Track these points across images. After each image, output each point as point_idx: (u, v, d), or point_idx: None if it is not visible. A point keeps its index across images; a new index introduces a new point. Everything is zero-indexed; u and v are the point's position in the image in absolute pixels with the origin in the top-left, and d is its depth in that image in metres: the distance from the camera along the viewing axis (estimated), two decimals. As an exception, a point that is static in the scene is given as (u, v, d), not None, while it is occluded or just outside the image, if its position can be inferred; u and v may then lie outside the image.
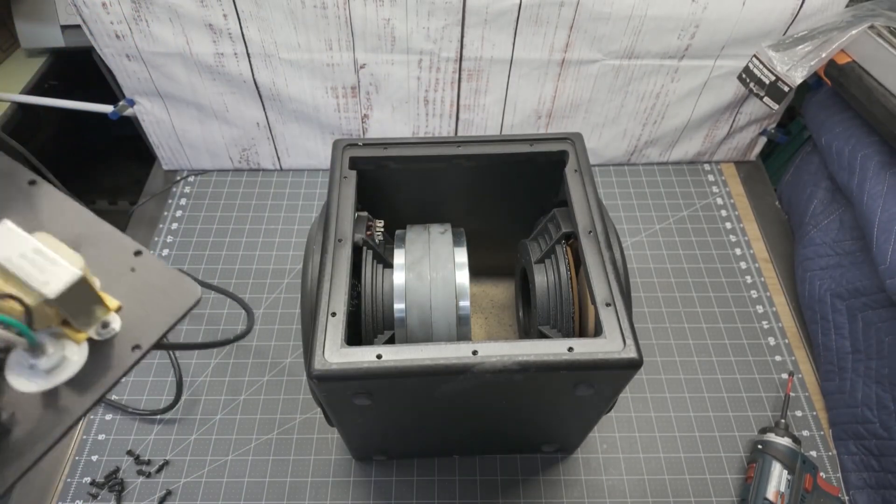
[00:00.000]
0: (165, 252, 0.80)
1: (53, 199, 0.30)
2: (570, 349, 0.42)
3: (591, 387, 0.45)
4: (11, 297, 0.23)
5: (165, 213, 0.85)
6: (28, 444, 0.24)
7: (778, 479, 0.58)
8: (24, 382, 0.25)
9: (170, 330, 0.28)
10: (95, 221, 0.30)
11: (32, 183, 0.31)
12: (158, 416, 0.66)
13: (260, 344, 0.72)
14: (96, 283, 0.26)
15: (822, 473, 0.61)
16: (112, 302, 0.27)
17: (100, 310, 0.26)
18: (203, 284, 0.57)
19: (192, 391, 0.68)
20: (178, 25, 0.71)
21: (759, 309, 0.75)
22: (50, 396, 0.25)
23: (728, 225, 0.84)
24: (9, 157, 0.32)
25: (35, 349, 0.24)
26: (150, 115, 0.82)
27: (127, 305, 0.27)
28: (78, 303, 0.25)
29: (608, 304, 0.44)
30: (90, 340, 0.26)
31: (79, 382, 0.25)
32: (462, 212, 0.59)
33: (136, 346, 0.27)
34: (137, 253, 0.29)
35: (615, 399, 0.51)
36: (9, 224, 0.24)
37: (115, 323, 0.27)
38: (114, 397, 0.67)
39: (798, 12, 0.70)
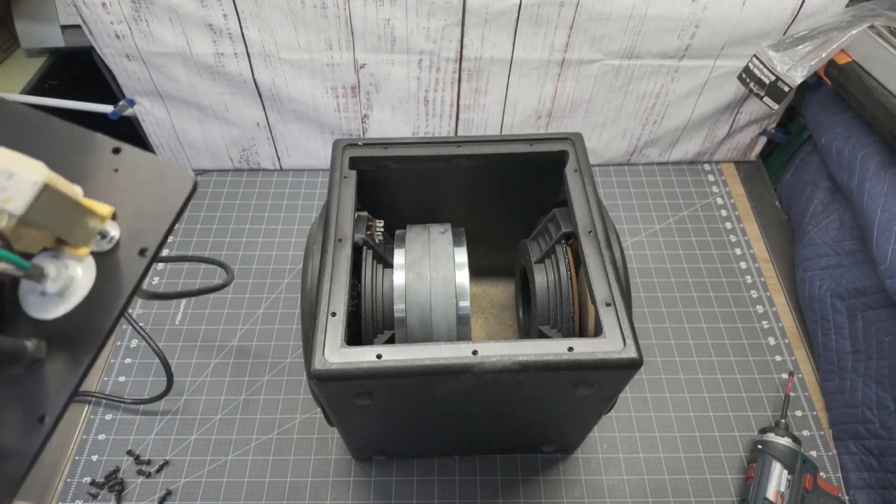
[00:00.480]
0: (165, 252, 0.80)
1: (6, 112, 0.26)
2: (571, 349, 0.42)
3: (591, 387, 0.45)
4: None
5: (165, 213, 0.85)
6: (63, 371, 0.23)
7: (778, 478, 0.58)
8: (40, 310, 0.24)
9: (173, 226, 0.26)
10: (61, 126, 0.26)
11: None
12: (159, 416, 0.66)
13: (260, 344, 0.72)
14: (77, 190, 0.24)
15: (822, 473, 0.61)
16: (103, 208, 0.25)
17: (91, 220, 0.24)
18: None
19: (192, 391, 0.68)
20: (178, 25, 0.71)
21: (760, 309, 0.75)
22: (73, 319, 0.24)
23: (728, 225, 0.84)
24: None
25: (34, 274, 0.23)
26: (150, 115, 0.82)
27: (121, 210, 0.25)
28: (60, 216, 0.22)
29: (608, 304, 0.44)
30: (93, 254, 0.25)
31: (96, 300, 0.24)
32: (462, 212, 0.59)
33: (143, 250, 0.25)
34: (116, 150, 0.26)
35: (615, 399, 0.51)
36: None
37: (114, 230, 0.25)
38: (128, 361, 0.68)
39: (798, 12, 0.70)
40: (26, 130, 0.24)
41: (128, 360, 0.70)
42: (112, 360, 0.70)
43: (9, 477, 0.22)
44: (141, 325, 0.72)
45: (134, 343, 0.72)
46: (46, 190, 0.21)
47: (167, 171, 0.26)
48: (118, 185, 0.24)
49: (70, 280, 0.24)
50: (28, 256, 0.23)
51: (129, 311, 0.75)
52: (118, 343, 0.72)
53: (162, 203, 0.26)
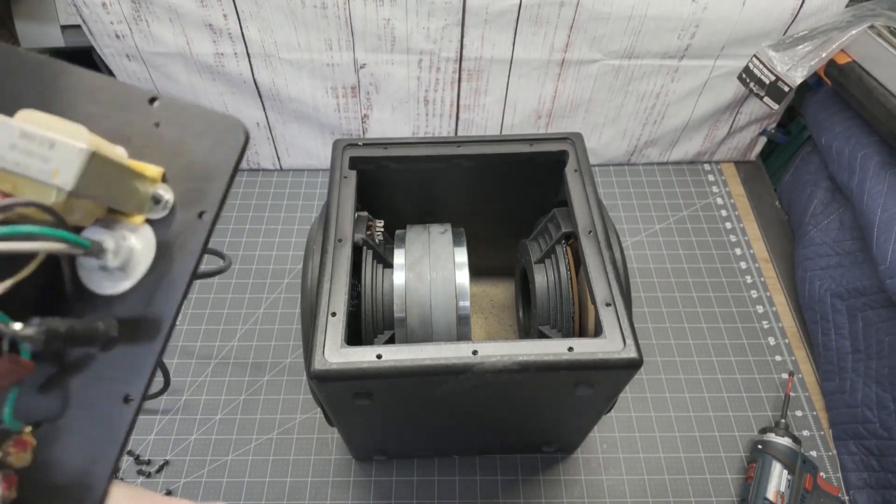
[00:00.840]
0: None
1: (21, 61, 0.23)
2: (570, 349, 0.42)
3: (591, 387, 0.45)
4: (29, 204, 0.18)
5: (165, 213, 0.85)
6: (139, 348, 0.22)
7: (778, 478, 0.58)
8: (103, 286, 0.21)
9: (231, 183, 0.23)
10: (84, 75, 0.23)
11: None
12: (159, 416, 0.66)
13: (260, 344, 0.72)
14: (122, 152, 0.22)
15: (822, 473, 0.61)
16: (152, 170, 0.22)
17: (142, 184, 0.22)
18: None
19: (192, 391, 0.68)
20: (178, 25, 0.71)
21: (760, 309, 0.75)
22: (140, 292, 0.22)
23: (728, 225, 0.84)
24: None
25: (93, 250, 0.21)
26: (150, 115, 0.82)
27: (170, 170, 0.22)
28: (109, 183, 0.20)
29: (608, 304, 0.44)
30: (149, 222, 0.22)
31: (161, 270, 0.22)
32: (462, 212, 0.59)
33: (202, 213, 0.22)
34: (153, 100, 0.22)
35: (615, 399, 0.51)
36: None
37: (167, 194, 0.22)
38: None
39: (798, 12, 0.70)
40: (45, 84, 0.21)
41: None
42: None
43: (104, 462, 0.21)
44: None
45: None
46: (94, 157, 0.19)
47: (214, 121, 0.23)
48: (161, 141, 0.21)
49: (130, 252, 0.22)
50: (79, 230, 0.21)
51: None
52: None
53: (213, 157, 0.22)
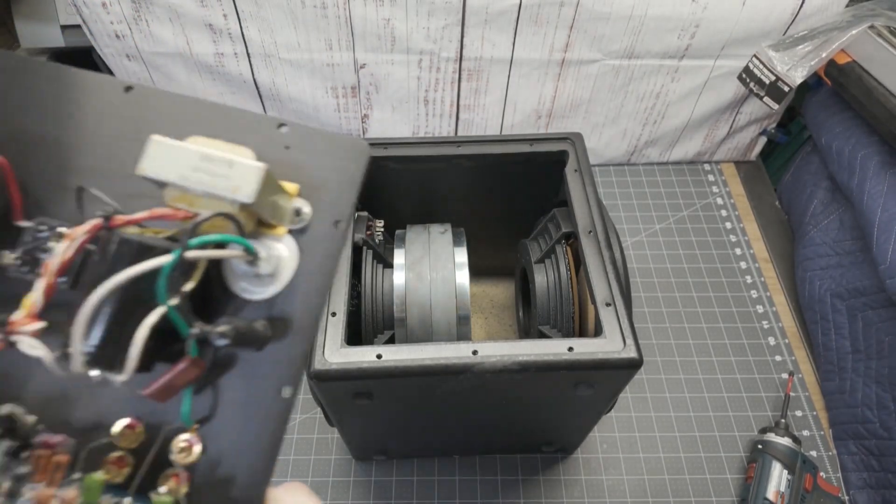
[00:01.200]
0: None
1: (159, 99, 0.26)
2: (571, 349, 0.42)
3: (591, 387, 0.45)
4: (221, 215, 0.21)
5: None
6: (289, 346, 0.23)
7: (778, 478, 0.58)
8: (253, 291, 0.24)
9: (358, 194, 0.26)
10: (223, 110, 0.26)
11: (129, 89, 0.26)
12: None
13: (260, 344, 0.71)
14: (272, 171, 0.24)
15: (822, 473, 0.61)
16: (290, 187, 0.24)
17: (284, 199, 0.24)
18: None
19: (192, 391, 0.68)
20: (178, 25, 0.71)
21: (760, 309, 0.75)
22: (286, 296, 0.24)
23: (728, 225, 0.84)
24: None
25: (253, 258, 0.23)
26: (149, 115, 0.82)
27: (303, 186, 0.25)
28: (268, 198, 0.22)
29: (608, 304, 0.44)
30: (290, 232, 0.24)
31: (305, 275, 0.24)
32: (462, 212, 0.59)
33: (337, 222, 0.25)
34: (280, 126, 0.25)
35: (615, 399, 0.51)
36: (159, 138, 0.21)
37: (306, 206, 0.25)
38: None
39: (798, 12, 0.70)
40: (185, 117, 0.24)
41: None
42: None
43: (265, 455, 0.24)
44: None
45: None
46: (267, 174, 0.21)
47: (338, 142, 0.25)
48: (292, 162, 0.23)
49: (279, 259, 0.24)
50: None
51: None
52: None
53: (341, 173, 0.25)
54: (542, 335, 0.52)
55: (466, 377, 0.42)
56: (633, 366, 0.42)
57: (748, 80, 0.75)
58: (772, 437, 0.61)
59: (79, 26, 0.72)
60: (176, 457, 0.22)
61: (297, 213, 0.24)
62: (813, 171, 0.79)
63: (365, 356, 0.41)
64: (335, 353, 0.42)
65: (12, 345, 0.20)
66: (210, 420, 0.23)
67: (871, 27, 0.65)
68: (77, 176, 0.24)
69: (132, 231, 0.22)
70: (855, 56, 0.67)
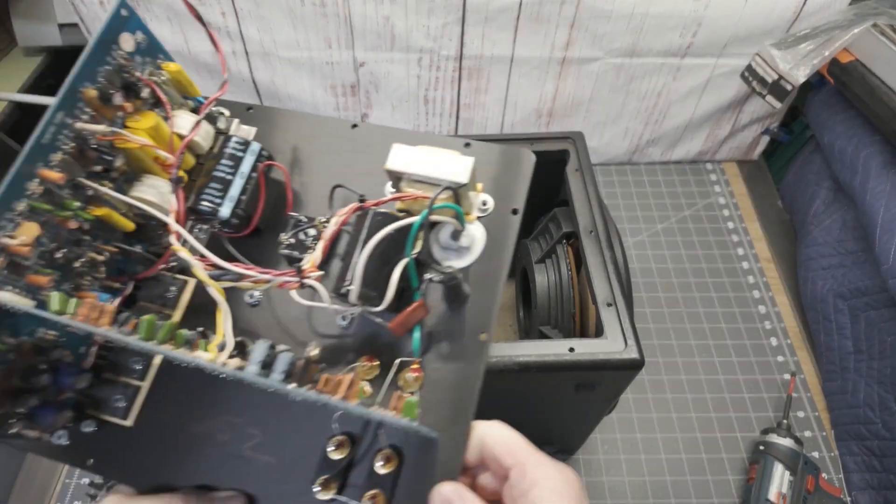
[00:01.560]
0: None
1: (376, 131, 0.35)
2: (571, 349, 0.42)
3: (592, 387, 0.44)
4: (448, 188, 0.28)
5: (164, 213, 0.84)
6: (484, 301, 0.30)
7: (780, 480, 0.58)
8: (453, 261, 0.31)
9: (527, 187, 0.33)
10: (422, 136, 0.34)
11: (355, 126, 0.35)
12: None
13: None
14: None
15: (824, 474, 0.61)
16: (477, 185, 0.32)
17: (473, 194, 0.31)
18: None
19: (190, 391, 0.67)
20: (176, 24, 0.70)
21: (762, 309, 0.75)
22: (478, 265, 0.31)
23: (730, 224, 0.83)
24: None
25: (458, 232, 0.31)
26: (148, 113, 0.82)
27: (486, 184, 0.32)
28: (469, 187, 0.29)
29: (609, 304, 0.44)
30: (479, 218, 0.32)
31: (492, 250, 0.31)
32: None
33: (514, 210, 0.32)
34: (467, 145, 0.33)
35: (616, 400, 0.51)
36: (399, 145, 0.30)
37: (489, 200, 0.32)
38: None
39: (800, 10, 0.70)
40: (401, 139, 0.30)
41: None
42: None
43: (472, 384, 0.29)
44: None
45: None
46: (474, 166, 0.29)
47: (510, 152, 0.33)
48: (477, 166, 0.29)
49: (473, 237, 0.31)
50: (433, 225, 0.32)
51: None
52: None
53: (514, 174, 0.33)
54: (543, 335, 0.52)
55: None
56: (634, 366, 0.42)
57: (750, 79, 0.74)
58: (774, 438, 0.60)
59: (76, 25, 0.72)
60: (407, 382, 0.29)
61: (484, 203, 0.32)
62: (815, 170, 0.78)
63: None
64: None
65: (303, 286, 0.29)
66: (428, 355, 0.30)
67: (874, 25, 0.65)
68: (326, 180, 0.33)
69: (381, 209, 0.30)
70: (858, 55, 0.66)
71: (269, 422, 0.29)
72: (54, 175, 0.27)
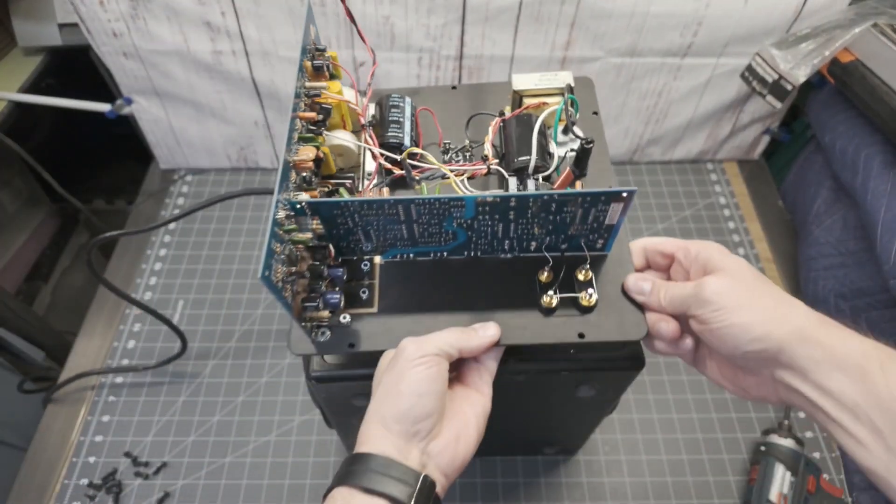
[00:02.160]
0: (163, 252, 0.80)
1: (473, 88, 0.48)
2: (572, 350, 0.41)
3: (592, 388, 0.44)
4: (564, 90, 0.41)
5: (163, 213, 0.84)
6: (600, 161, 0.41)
7: (781, 480, 0.57)
8: (574, 145, 0.40)
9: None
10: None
11: (454, 88, 0.48)
12: (157, 418, 0.65)
13: (258, 345, 0.71)
14: None
15: (825, 475, 0.60)
16: None
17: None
18: (133, 302, 0.59)
19: (189, 392, 0.67)
20: (175, 23, 0.70)
21: (762, 309, 0.74)
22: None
23: (731, 224, 0.83)
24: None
25: (569, 126, 0.40)
26: (147, 113, 0.82)
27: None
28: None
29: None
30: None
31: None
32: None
33: (595, 112, 0.44)
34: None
35: (617, 400, 0.51)
36: (517, 74, 0.42)
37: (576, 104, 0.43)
38: (125, 362, 0.69)
39: (801, 10, 0.69)
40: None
41: (136, 327, 0.70)
42: (121, 327, 0.69)
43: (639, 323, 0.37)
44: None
45: (137, 327, 0.71)
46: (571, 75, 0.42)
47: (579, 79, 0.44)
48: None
49: (576, 132, 0.41)
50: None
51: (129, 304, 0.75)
52: (127, 312, 0.71)
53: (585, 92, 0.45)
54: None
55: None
56: (635, 367, 0.42)
57: (751, 79, 0.74)
58: (775, 438, 0.60)
59: (76, 24, 0.71)
60: (581, 275, 0.38)
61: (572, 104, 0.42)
62: (816, 170, 0.78)
63: (364, 357, 0.41)
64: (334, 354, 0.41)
65: (489, 171, 0.41)
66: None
67: (875, 25, 0.65)
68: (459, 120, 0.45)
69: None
70: (858, 54, 0.66)
71: (479, 284, 0.38)
72: (308, 115, 0.38)
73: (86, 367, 0.69)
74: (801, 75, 0.68)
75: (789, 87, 0.70)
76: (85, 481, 0.61)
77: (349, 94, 0.41)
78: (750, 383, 0.35)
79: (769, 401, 0.35)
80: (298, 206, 0.33)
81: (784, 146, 0.92)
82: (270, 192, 0.32)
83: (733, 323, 0.32)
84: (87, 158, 1.09)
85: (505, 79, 0.79)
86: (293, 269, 0.33)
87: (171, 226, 0.82)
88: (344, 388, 0.42)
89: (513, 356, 0.40)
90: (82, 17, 0.70)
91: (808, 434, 0.65)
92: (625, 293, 0.37)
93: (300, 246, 0.34)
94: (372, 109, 0.44)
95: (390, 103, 0.42)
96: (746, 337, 0.32)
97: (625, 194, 0.34)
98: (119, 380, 0.68)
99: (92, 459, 0.62)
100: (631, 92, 0.79)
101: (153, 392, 0.67)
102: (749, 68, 0.74)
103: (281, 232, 0.32)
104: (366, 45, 0.44)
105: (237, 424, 0.65)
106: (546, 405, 0.49)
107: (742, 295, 0.33)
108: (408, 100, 0.42)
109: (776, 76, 0.70)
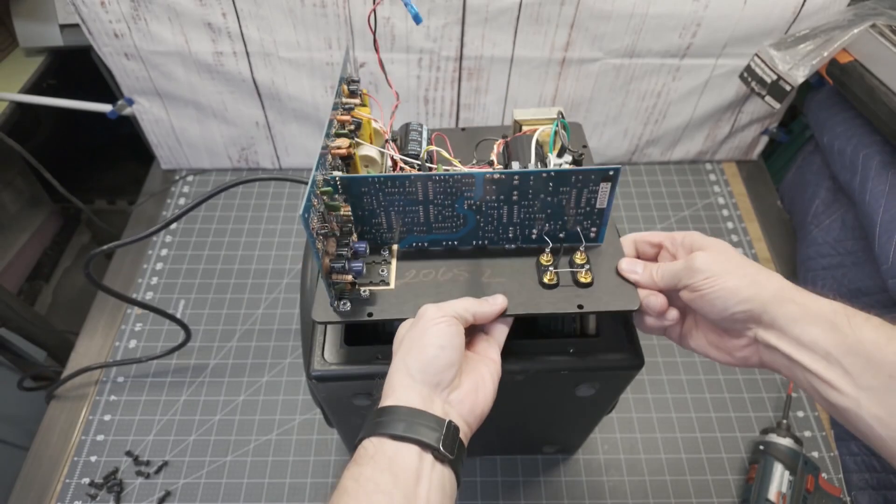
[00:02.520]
0: (164, 252, 0.80)
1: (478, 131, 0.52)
2: (571, 350, 0.42)
3: (592, 387, 0.44)
4: (555, 119, 0.45)
5: (164, 213, 0.84)
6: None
7: (779, 479, 0.58)
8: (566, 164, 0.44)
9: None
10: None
11: (463, 129, 0.53)
12: (158, 417, 0.65)
13: (259, 344, 0.71)
14: None
15: (823, 474, 0.61)
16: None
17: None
18: (133, 302, 0.60)
19: (190, 391, 0.67)
20: (176, 24, 0.70)
21: (761, 309, 0.75)
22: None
23: (730, 225, 0.83)
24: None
25: (564, 149, 0.44)
26: (148, 114, 0.82)
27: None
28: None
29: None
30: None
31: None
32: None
33: (584, 145, 0.50)
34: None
35: (616, 400, 0.51)
36: (518, 108, 0.49)
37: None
38: (131, 345, 0.67)
39: (800, 11, 0.70)
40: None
41: (138, 326, 0.70)
42: (123, 327, 0.70)
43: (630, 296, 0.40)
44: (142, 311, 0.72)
45: (139, 326, 0.71)
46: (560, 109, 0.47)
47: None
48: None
49: (568, 157, 0.45)
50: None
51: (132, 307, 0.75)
52: (128, 312, 0.71)
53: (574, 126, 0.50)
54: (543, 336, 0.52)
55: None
56: (634, 366, 0.42)
57: (750, 80, 0.74)
58: (773, 437, 0.60)
59: (77, 25, 0.72)
60: (578, 258, 0.41)
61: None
62: (815, 170, 0.78)
63: (364, 357, 0.41)
64: (335, 353, 0.42)
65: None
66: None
67: (873, 26, 0.65)
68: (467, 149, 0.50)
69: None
70: (857, 55, 0.66)
71: (486, 268, 0.42)
72: (344, 118, 0.43)
73: (87, 365, 0.69)
74: (799, 76, 0.68)
75: (788, 88, 0.70)
76: (86, 480, 0.61)
77: (375, 124, 0.48)
78: (734, 346, 0.39)
79: (750, 362, 0.38)
80: (333, 180, 0.38)
81: (783, 146, 0.92)
82: (274, 179, 0.34)
83: (722, 287, 0.36)
84: (89, 159, 1.09)
85: (504, 80, 0.80)
86: (326, 225, 0.38)
87: (173, 226, 0.83)
88: (344, 388, 0.42)
89: (513, 355, 0.41)
90: (83, 17, 0.70)
91: (807, 433, 0.65)
92: (619, 274, 0.41)
93: (332, 213, 0.39)
94: (390, 127, 0.49)
95: (411, 128, 0.47)
96: (734, 299, 0.36)
97: (611, 172, 0.38)
98: (120, 379, 0.69)
99: (93, 458, 0.63)
100: (630, 93, 0.80)
101: (154, 391, 0.68)
102: (748, 69, 0.74)
103: (318, 192, 0.37)
104: (391, 90, 0.48)
105: (238, 423, 0.65)
106: (545, 404, 0.50)
107: (727, 264, 0.37)
108: (425, 126, 0.48)
109: (775, 77, 0.70)
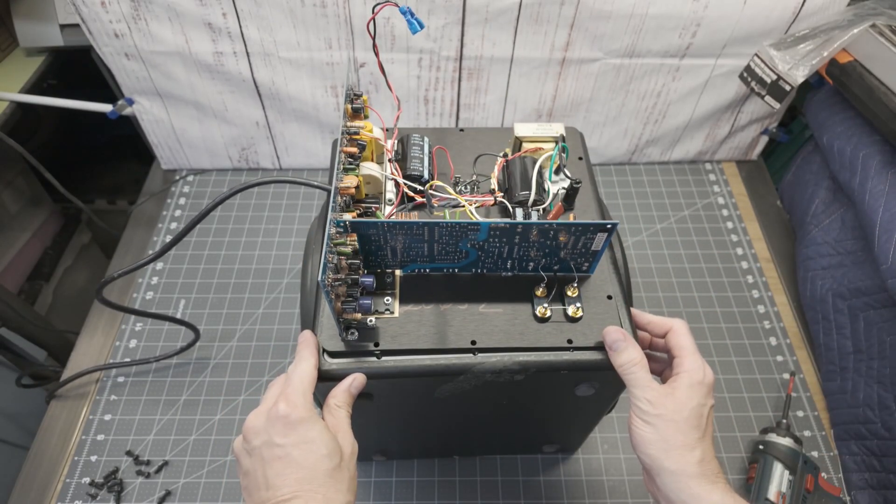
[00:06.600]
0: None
1: (478, 133, 0.55)
2: (570, 341, 0.42)
3: (591, 387, 0.45)
4: (557, 139, 0.48)
5: (164, 213, 0.85)
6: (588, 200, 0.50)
7: (779, 479, 0.58)
8: (564, 184, 0.48)
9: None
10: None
11: (462, 130, 0.55)
12: (158, 417, 0.66)
13: (259, 344, 0.71)
14: None
15: (823, 474, 0.61)
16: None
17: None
18: (147, 315, 0.61)
19: (190, 391, 0.68)
20: (177, 24, 0.70)
21: (761, 309, 0.75)
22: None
23: (729, 224, 0.83)
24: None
25: (560, 168, 0.48)
26: (148, 114, 0.82)
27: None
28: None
29: (609, 297, 0.44)
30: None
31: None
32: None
33: (580, 157, 0.52)
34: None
35: (616, 399, 0.51)
36: (518, 123, 0.49)
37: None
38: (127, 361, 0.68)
39: (799, 11, 0.70)
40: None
41: (138, 326, 0.70)
42: (123, 326, 0.70)
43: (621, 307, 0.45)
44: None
45: (139, 326, 0.71)
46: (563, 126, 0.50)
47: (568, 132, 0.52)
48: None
49: (565, 175, 0.49)
50: None
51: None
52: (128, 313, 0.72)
53: (572, 142, 0.51)
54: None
55: (466, 377, 0.42)
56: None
57: (749, 80, 0.74)
58: (773, 437, 0.60)
59: (78, 25, 0.72)
60: (570, 291, 0.44)
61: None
62: (814, 170, 0.78)
63: (365, 357, 0.41)
64: (335, 353, 0.42)
65: (496, 202, 0.47)
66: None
67: (873, 26, 0.65)
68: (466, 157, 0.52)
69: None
70: (856, 55, 0.67)
71: (484, 296, 0.44)
72: (350, 149, 0.44)
73: (88, 366, 0.69)
74: (799, 76, 0.68)
75: (788, 88, 0.70)
76: (87, 480, 0.61)
77: (378, 132, 0.48)
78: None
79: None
80: (343, 224, 0.39)
81: (782, 146, 0.92)
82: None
83: (643, 431, 0.38)
84: (89, 159, 1.09)
85: (504, 80, 0.80)
86: (338, 276, 0.40)
87: (173, 225, 0.83)
88: (344, 387, 0.42)
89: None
90: (84, 17, 0.70)
91: (807, 433, 0.65)
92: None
93: (343, 257, 0.40)
94: (392, 145, 0.50)
95: (412, 142, 0.48)
96: (641, 447, 0.38)
97: (609, 226, 0.40)
98: (121, 379, 0.69)
99: (94, 458, 0.63)
100: (630, 93, 0.80)
101: (155, 391, 0.68)
102: (748, 69, 0.74)
103: (332, 245, 0.38)
104: (393, 96, 0.50)
105: (238, 423, 0.65)
106: (545, 404, 0.50)
107: (669, 414, 0.39)
108: (426, 139, 0.49)
109: (775, 77, 0.70)
